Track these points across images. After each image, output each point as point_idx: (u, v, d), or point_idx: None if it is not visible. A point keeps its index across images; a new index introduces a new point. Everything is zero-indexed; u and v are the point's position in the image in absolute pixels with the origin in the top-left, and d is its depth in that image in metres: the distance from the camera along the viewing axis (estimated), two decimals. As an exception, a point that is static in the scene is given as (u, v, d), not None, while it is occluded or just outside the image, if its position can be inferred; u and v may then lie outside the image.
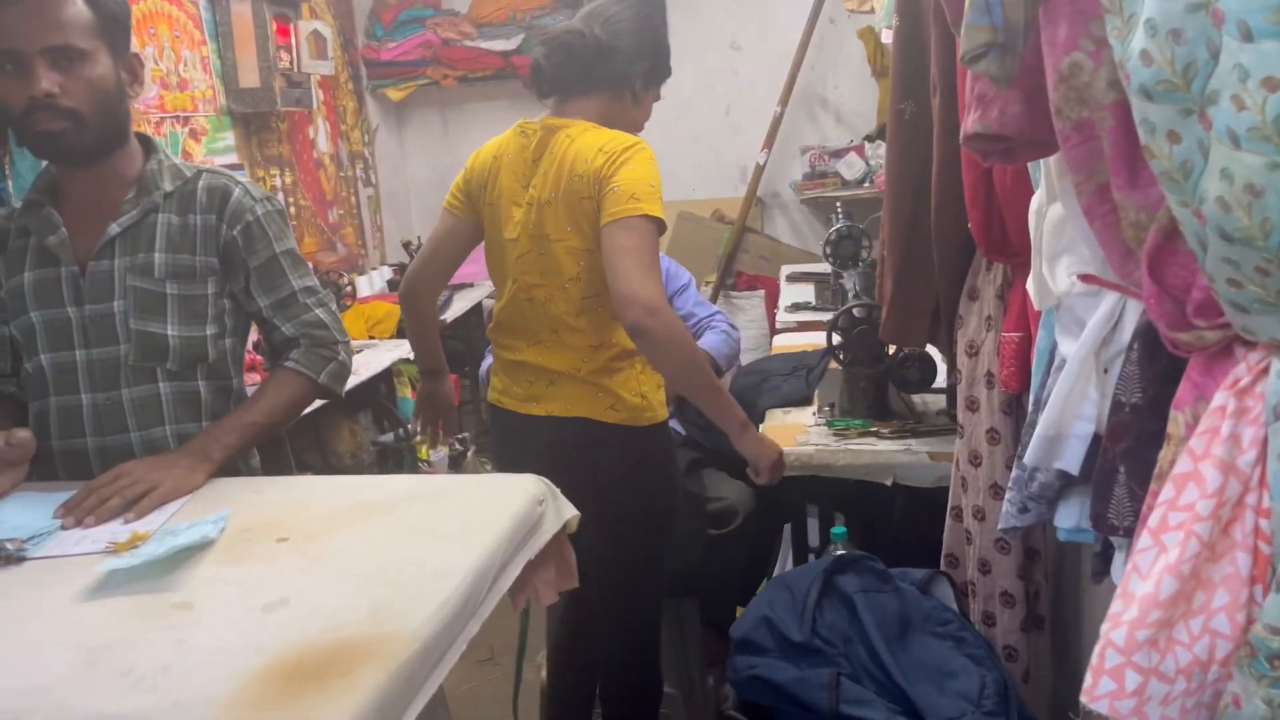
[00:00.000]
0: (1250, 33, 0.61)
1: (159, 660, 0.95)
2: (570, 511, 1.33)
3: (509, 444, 1.89)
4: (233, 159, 3.37)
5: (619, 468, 1.77)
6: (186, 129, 3.15)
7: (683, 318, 2.48)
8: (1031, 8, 0.88)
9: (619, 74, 1.78)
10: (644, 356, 1.77)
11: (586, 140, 1.71)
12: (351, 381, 1.67)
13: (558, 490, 1.33)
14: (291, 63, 3.44)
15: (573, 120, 1.77)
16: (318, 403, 1.84)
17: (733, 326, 2.55)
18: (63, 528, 1.29)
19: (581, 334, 1.76)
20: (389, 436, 3.36)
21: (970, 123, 1.00)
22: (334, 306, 1.63)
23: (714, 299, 4.11)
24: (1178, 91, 0.67)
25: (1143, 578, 0.78)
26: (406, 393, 3.46)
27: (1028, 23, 0.88)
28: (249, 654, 0.94)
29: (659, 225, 1.65)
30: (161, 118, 3.02)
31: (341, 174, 4.16)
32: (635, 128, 1.85)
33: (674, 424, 2.51)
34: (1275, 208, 0.63)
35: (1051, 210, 1.13)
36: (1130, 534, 0.99)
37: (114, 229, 1.48)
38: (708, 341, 2.45)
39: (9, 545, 1.21)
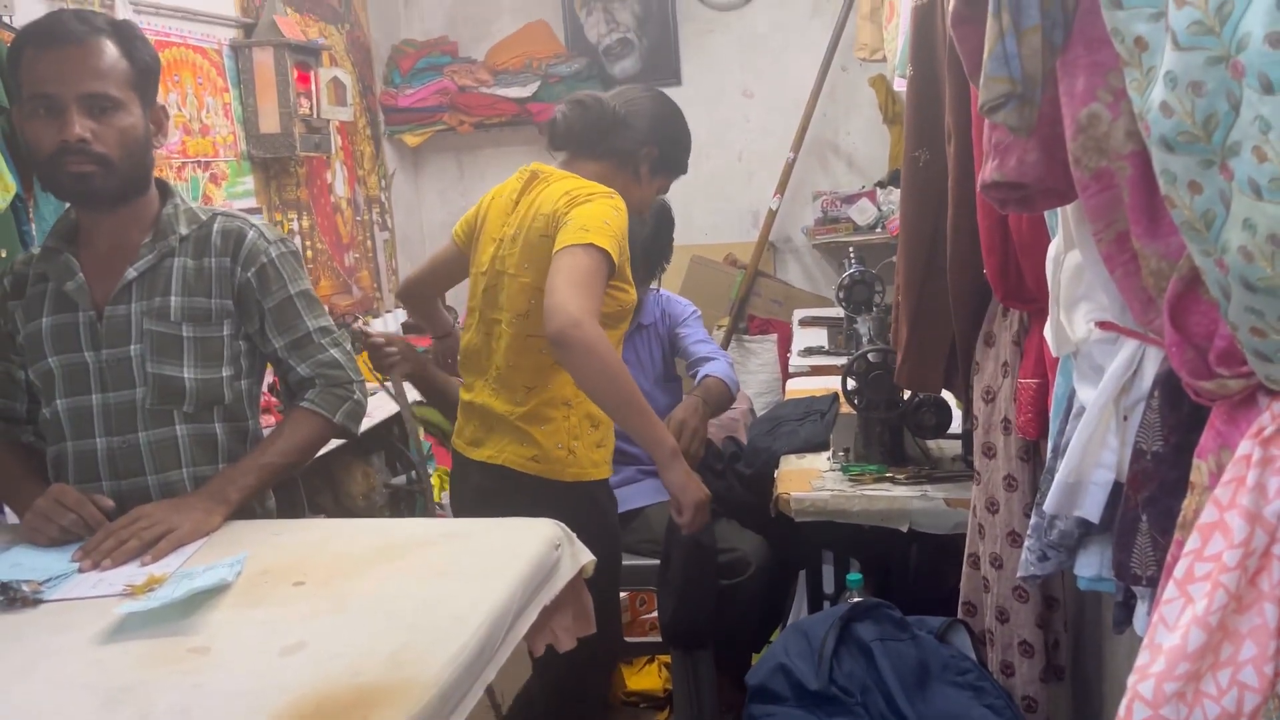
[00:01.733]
0: (1271, 85, 0.61)
1: (177, 704, 0.95)
2: (587, 556, 1.33)
3: (456, 486, 1.96)
4: (252, 203, 3.41)
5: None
6: (207, 174, 3.19)
7: (690, 342, 2.49)
8: (1049, 59, 0.89)
9: (627, 149, 1.88)
10: (579, 406, 1.78)
11: (559, 185, 1.78)
12: (364, 424, 1.67)
13: (574, 535, 1.33)
14: (311, 109, 3.49)
15: (561, 170, 1.85)
16: (332, 444, 1.85)
17: (729, 364, 2.52)
18: (80, 570, 1.30)
19: (520, 373, 1.79)
20: (401, 479, 3.35)
21: (988, 171, 1.01)
22: (349, 346, 1.64)
23: (726, 343, 4.12)
24: (1199, 143, 0.68)
25: (1170, 629, 0.77)
26: (419, 435, 3.46)
27: (1045, 74, 0.89)
28: (267, 698, 0.94)
29: (605, 257, 1.64)
30: (183, 163, 3.06)
31: (358, 218, 4.20)
32: (633, 205, 1.90)
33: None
34: (1298, 258, 0.64)
35: (1069, 258, 1.13)
36: (1153, 584, 0.98)
37: (131, 273, 1.50)
38: (717, 368, 2.43)
39: (26, 587, 1.22)
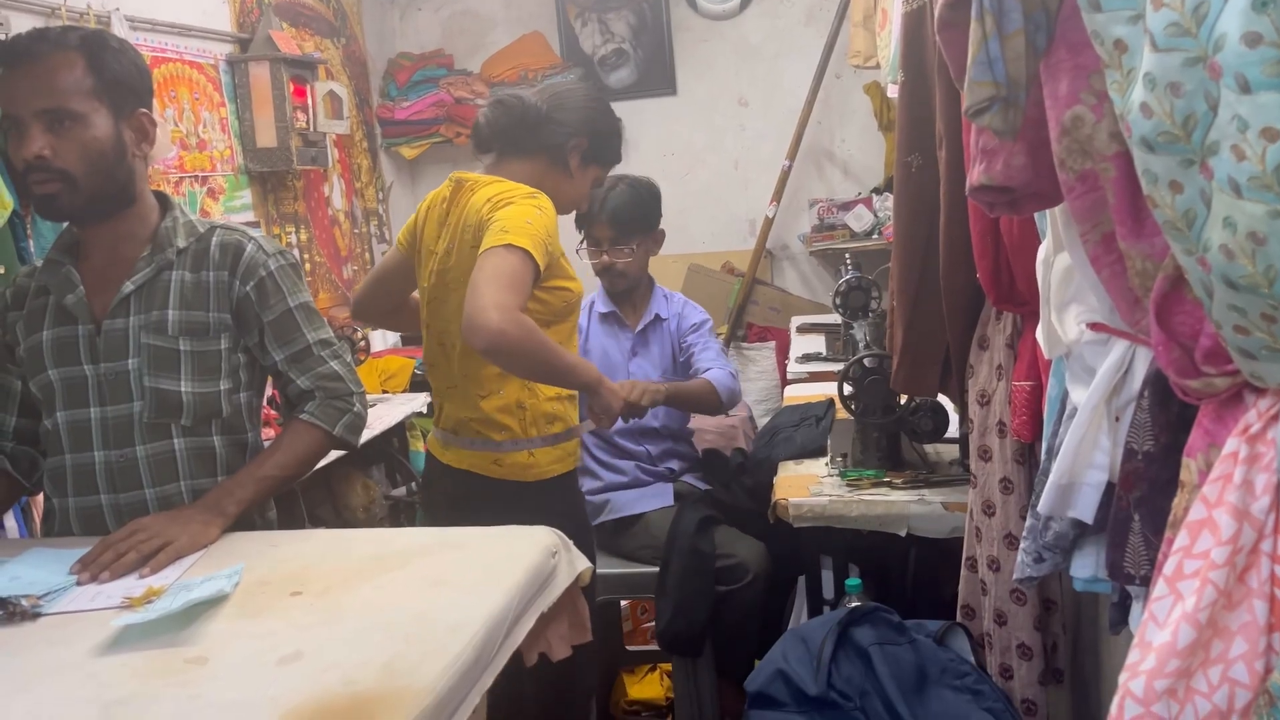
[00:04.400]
0: (1248, 85, 0.62)
1: (174, 715, 0.95)
2: (583, 564, 1.33)
3: (429, 488, 2.00)
4: (249, 217, 3.42)
5: (506, 524, 1.66)
6: (205, 188, 3.20)
7: (697, 350, 2.48)
8: (1033, 63, 0.89)
9: (555, 144, 1.87)
10: (534, 408, 1.81)
11: (482, 193, 1.78)
12: (364, 435, 1.67)
13: (570, 542, 1.33)
14: (308, 123, 3.50)
15: (485, 176, 1.85)
16: (332, 455, 1.85)
17: (733, 375, 2.51)
18: (78, 583, 1.30)
19: (473, 382, 1.82)
20: (401, 490, 3.36)
21: (975, 175, 1.02)
22: (349, 358, 1.64)
23: (724, 351, 4.12)
24: (1178, 143, 0.68)
25: (1160, 626, 0.78)
26: (419, 446, 3.46)
27: (1030, 77, 0.90)
28: (264, 708, 0.94)
29: (525, 255, 1.63)
30: (181, 177, 3.07)
31: (356, 230, 4.21)
32: (568, 200, 1.93)
33: (692, 480, 2.51)
34: (1278, 255, 0.64)
35: (1059, 260, 1.14)
36: (1147, 583, 0.99)
37: (128, 287, 1.50)
38: (712, 374, 2.41)
39: (24, 601, 1.22)
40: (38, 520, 1.97)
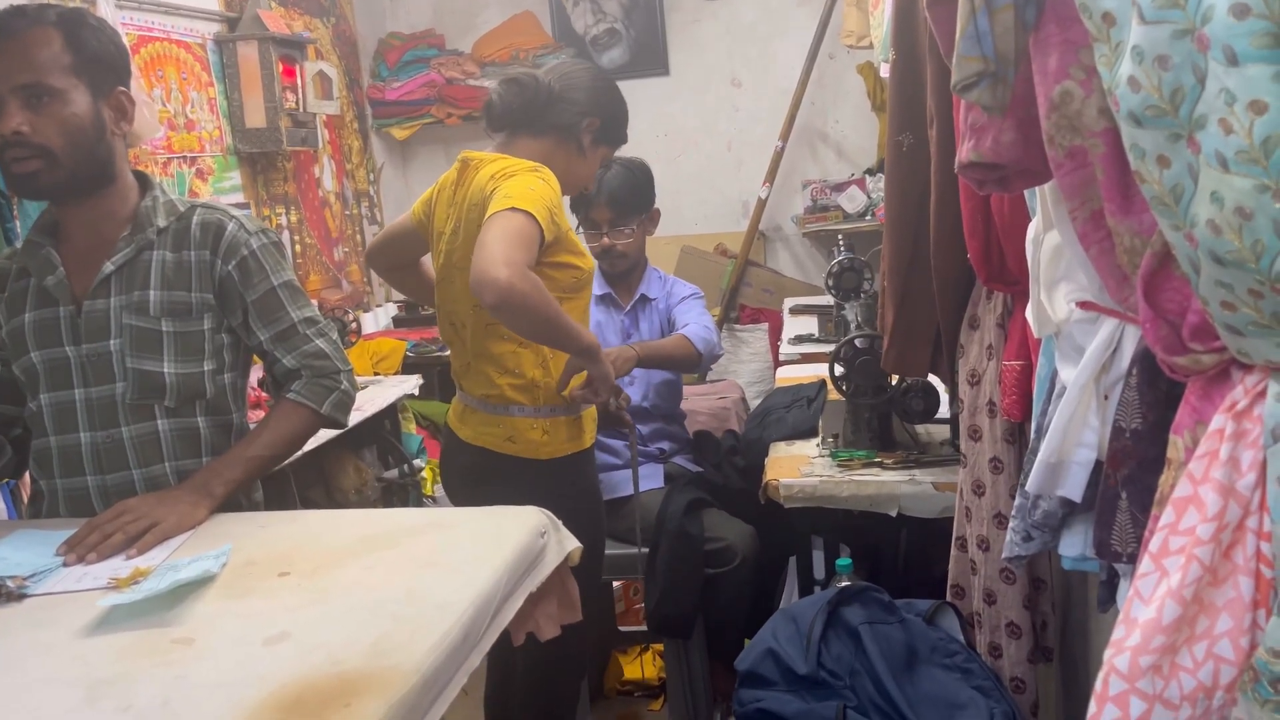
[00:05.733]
0: (1235, 57, 0.61)
1: (159, 695, 0.95)
2: (572, 544, 1.33)
3: (444, 462, 2.02)
4: (239, 198, 3.40)
5: (518, 501, 1.63)
6: (194, 169, 3.18)
7: (679, 313, 2.49)
8: (1022, 37, 0.89)
9: (567, 123, 1.88)
10: (547, 385, 1.83)
11: (486, 170, 1.78)
12: (356, 417, 1.67)
13: (559, 523, 1.33)
14: (297, 103, 3.48)
15: (490, 154, 1.85)
16: (322, 438, 1.84)
17: (708, 329, 2.49)
18: (65, 564, 1.29)
19: (486, 360, 1.84)
20: (394, 472, 3.35)
21: (965, 152, 1.01)
22: (335, 336, 1.63)
23: (717, 333, 4.12)
24: (1166, 117, 0.68)
25: (1145, 603, 0.78)
26: (411, 428, 3.46)
27: (1018, 52, 0.89)
28: (250, 688, 0.94)
29: (529, 217, 1.63)
30: (169, 158, 3.05)
31: (347, 212, 4.19)
32: (577, 179, 1.95)
33: (683, 461, 2.51)
34: (1265, 230, 0.64)
35: (1048, 238, 1.13)
36: (1134, 560, 0.99)
37: (108, 267, 1.49)
38: (688, 329, 2.41)
39: (10, 582, 1.22)
40: (24, 502, 1.97)
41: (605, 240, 2.45)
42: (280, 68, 3.36)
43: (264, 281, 1.54)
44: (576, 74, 1.92)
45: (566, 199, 1.90)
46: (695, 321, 2.44)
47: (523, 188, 1.68)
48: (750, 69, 4.34)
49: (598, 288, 2.54)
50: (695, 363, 2.41)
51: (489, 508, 1.38)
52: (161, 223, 1.52)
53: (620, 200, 2.41)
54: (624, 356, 2.20)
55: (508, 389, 1.83)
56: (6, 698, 0.98)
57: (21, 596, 1.21)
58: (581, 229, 2.46)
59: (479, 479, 1.88)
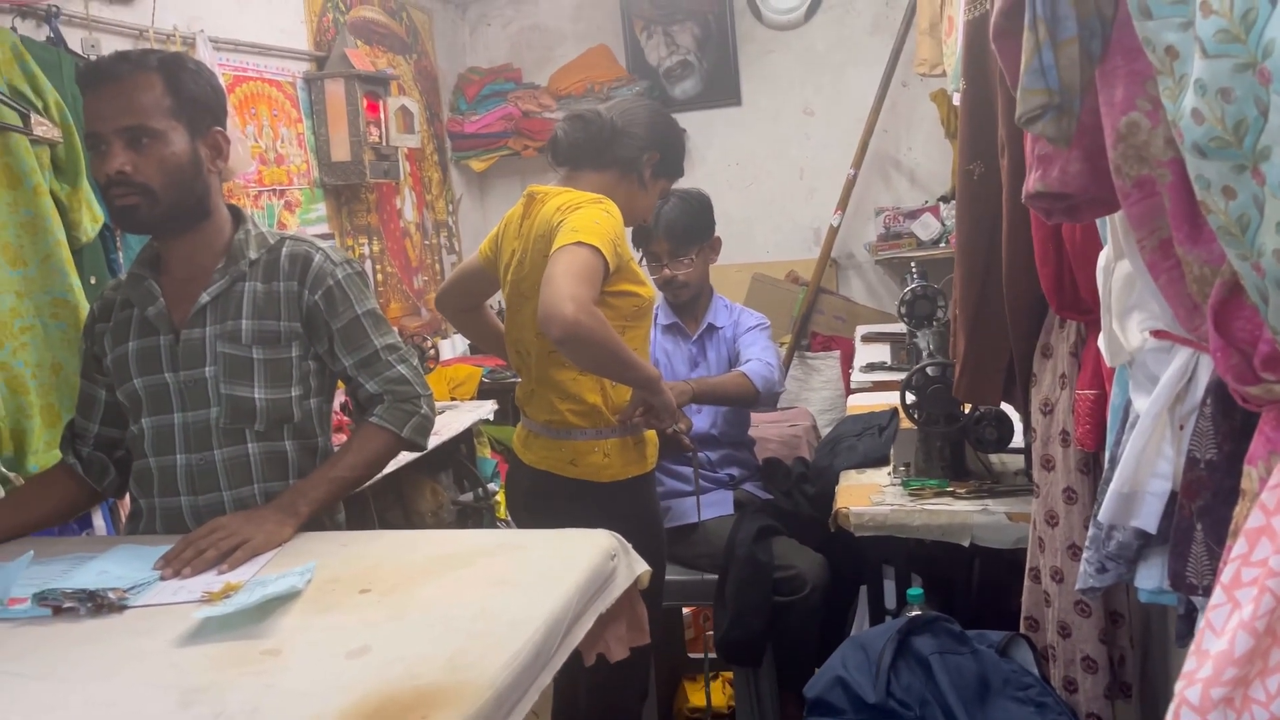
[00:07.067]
0: (1298, 90, 0.62)
1: (248, 702, 0.99)
2: (641, 567, 1.35)
3: (509, 486, 2.08)
4: (324, 229, 3.53)
5: (580, 524, 1.61)
6: (282, 201, 3.31)
7: (744, 346, 2.51)
8: (1088, 69, 0.90)
9: (629, 157, 1.95)
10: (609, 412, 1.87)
11: (552, 203, 1.84)
12: (433, 441, 1.73)
13: (629, 546, 1.35)
14: (380, 137, 3.60)
15: (555, 188, 1.92)
16: (401, 461, 1.89)
17: (770, 365, 2.51)
18: (162, 578, 1.36)
19: (550, 386, 1.89)
20: (469, 496, 3.42)
21: (1032, 182, 1.02)
22: (415, 362, 1.69)
23: (789, 360, 4.11)
24: (1230, 148, 0.68)
25: (1217, 634, 0.77)
26: (486, 453, 3.52)
27: (1084, 84, 0.90)
28: (332, 698, 0.98)
29: (595, 251, 1.69)
30: (260, 191, 3.19)
31: (426, 242, 4.30)
32: (638, 211, 2.01)
33: (752, 488, 2.52)
34: (1333, 260, 0.64)
35: (1120, 267, 1.13)
36: (1210, 593, 0.97)
37: (204, 298, 1.57)
38: (748, 366, 2.44)
39: (112, 595, 1.28)
40: (123, 519, 2.06)
41: (667, 271, 2.50)
42: (364, 103, 3.48)
43: (348, 310, 1.61)
44: (637, 110, 1.99)
45: (628, 230, 1.95)
46: (757, 357, 2.46)
47: (588, 221, 1.74)
48: (823, 97, 4.36)
49: (664, 318, 2.58)
50: (753, 400, 2.43)
51: (560, 530, 1.41)
52: (253, 255, 1.60)
53: (679, 231, 2.46)
54: (680, 392, 2.23)
55: (569, 414, 1.87)
56: (107, 701, 1.04)
57: (122, 608, 1.27)
58: (644, 261, 2.51)
59: (542, 502, 1.93)
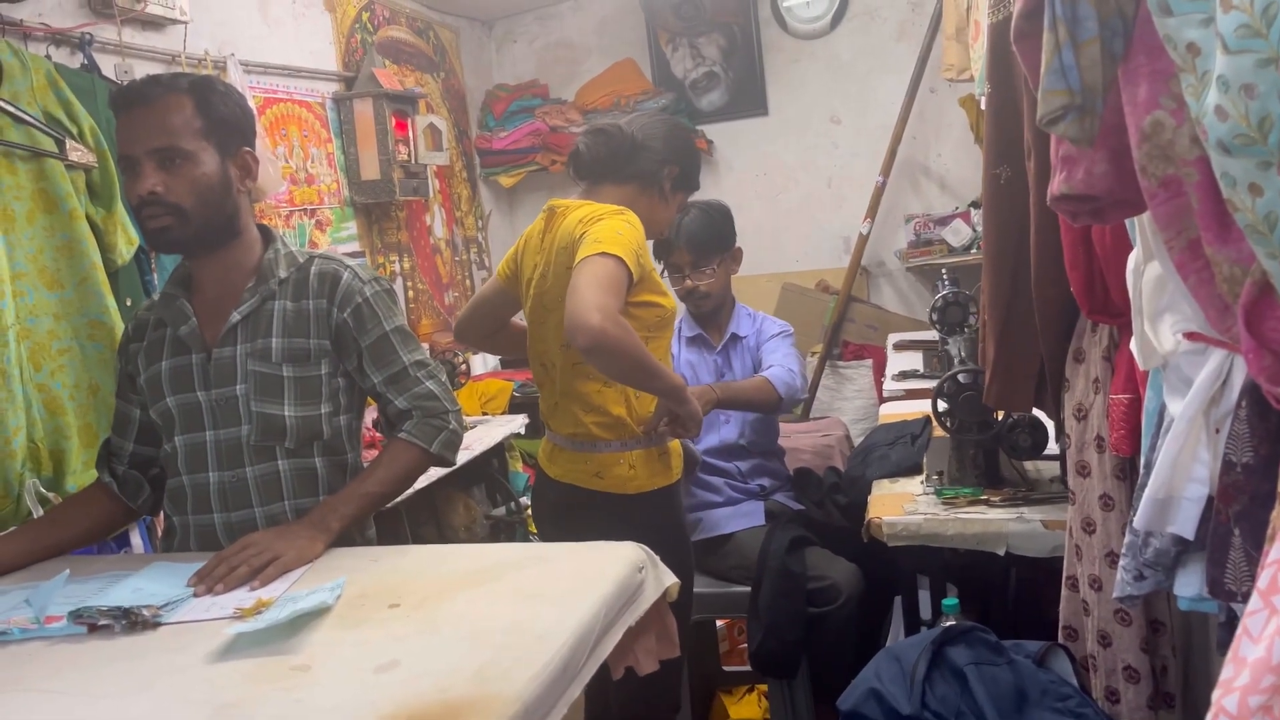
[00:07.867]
0: (1323, 84, 0.61)
1: (279, 717, 1.00)
2: (670, 579, 1.34)
3: (536, 500, 2.09)
4: (355, 247, 3.57)
5: (607, 535, 1.62)
6: (313, 220, 3.35)
7: (766, 353, 2.51)
8: (1110, 69, 0.88)
9: (649, 171, 1.97)
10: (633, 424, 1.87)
11: (574, 216, 1.86)
12: (464, 456, 1.73)
13: (657, 558, 1.35)
14: (409, 155, 3.64)
15: (576, 201, 1.93)
16: (433, 476, 1.90)
17: (792, 372, 2.51)
18: (195, 595, 1.37)
19: (574, 399, 1.89)
20: (501, 510, 3.43)
21: (1057, 184, 1.01)
22: (444, 378, 1.70)
23: (820, 369, 4.09)
24: (1255, 145, 0.67)
25: (1254, 641, 0.75)
26: (518, 466, 3.53)
27: (1107, 83, 0.89)
28: (362, 712, 0.98)
29: (618, 261, 1.71)
30: (291, 211, 3.23)
31: (456, 258, 4.34)
32: (658, 224, 2.03)
33: (783, 498, 2.51)
34: (1364, 256, 0.62)
35: (1149, 268, 1.11)
36: (1249, 599, 0.95)
37: (235, 317, 1.59)
38: (770, 370, 2.46)
39: (146, 611, 1.30)
40: (159, 537, 2.09)
41: (689, 282, 2.51)
42: (393, 122, 3.52)
43: (377, 327, 1.62)
44: (655, 125, 2.01)
45: (649, 242, 1.96)
46: (779, 363, 2.47)
47: (610, 232, 1.75)
48: (849, 105, 4.34)
49: (688, 329, 2.58)
50: (776, 405, 2.44)
51: (589, 543, 1.41)
52: (283, 274, 1.62)
53: (700, 242, 2.47)
54: (705, 398, 2.23)
55: (594, 426, 1.88)
56: (141, 717, 1.05)
57: (156, 624, 1.29)
58: (666, 273, 2.51)
59: (568, 515, 1.93)
